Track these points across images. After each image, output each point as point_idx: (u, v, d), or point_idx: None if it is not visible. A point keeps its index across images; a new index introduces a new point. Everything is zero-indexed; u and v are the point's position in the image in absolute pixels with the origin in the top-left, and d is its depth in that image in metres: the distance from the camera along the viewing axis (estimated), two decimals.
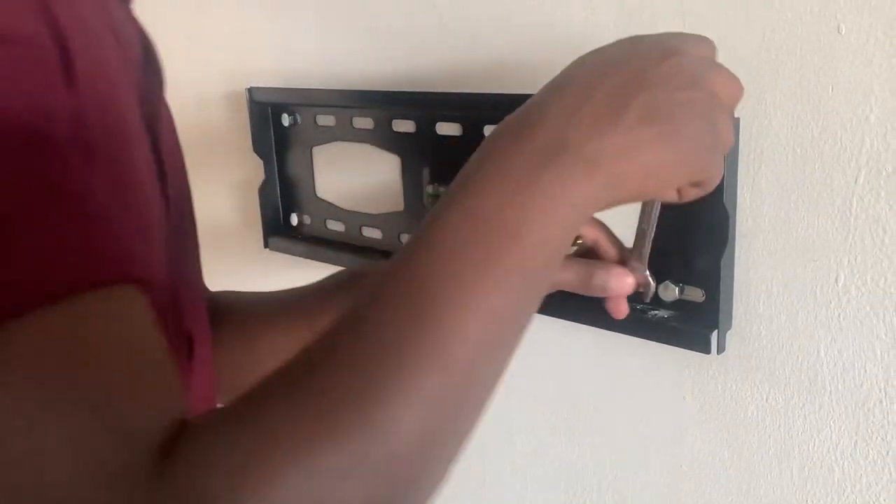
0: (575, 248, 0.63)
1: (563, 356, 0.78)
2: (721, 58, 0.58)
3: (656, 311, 0.66)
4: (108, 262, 0.33)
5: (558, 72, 0.45)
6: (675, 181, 0.45)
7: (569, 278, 0.59)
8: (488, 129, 0.74)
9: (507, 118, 0.43)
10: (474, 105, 0.75)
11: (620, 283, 0.58)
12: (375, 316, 0.36)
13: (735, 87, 0.46)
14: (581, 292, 0.61)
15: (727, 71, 0.45)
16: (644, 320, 0.66)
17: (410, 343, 0.35)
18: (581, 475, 0.81)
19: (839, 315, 0.61)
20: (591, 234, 0.62)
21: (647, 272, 0.62)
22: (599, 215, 0.51)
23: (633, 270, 0.61)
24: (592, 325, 0.71)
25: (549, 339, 0.78)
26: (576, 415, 0.79)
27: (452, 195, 0.41)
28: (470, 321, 0.36)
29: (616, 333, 0.69)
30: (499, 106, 0.73)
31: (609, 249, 0.61)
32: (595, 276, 0.59)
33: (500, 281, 0.38)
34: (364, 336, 0.35)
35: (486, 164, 0.41)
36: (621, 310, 0.61)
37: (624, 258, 0.61)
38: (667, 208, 0.65)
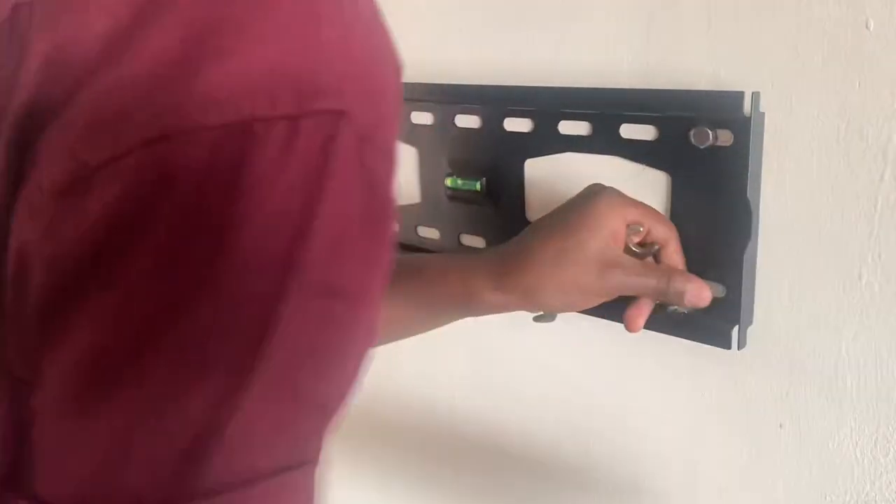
0: (643, 249, 0.62)
1: (582, 351, 0.78)
2: (747, 52, 0.58)
3: (676, 307, 0.66)
4: None
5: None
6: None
7: (648, 284, 0.59)
8: (508, 122, 0.74)
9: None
10: (493, 97, 0.75)
11: (700, 296, 0.59)
12: None
13: None
14: (655, 299, 0.62)
15: None
16: (664, 316, 0.66)
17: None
18: (597, 469, 0.80)
19: (861, 312, 0.61)
20: (663, 234, 0.62)
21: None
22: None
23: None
24: (611, 320, 0.71)
25: (567, 333, 0.78)
26: (593, 410, 0.79)
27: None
28: None
29: None
30: (518, 99, 0.74)
31: (674, 255, 0.63)
32: (672, 284, 0.59)
33: None
34: None
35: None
36: (639, 325, 0.62)
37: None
38: (689, 203, 0.65)
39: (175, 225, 0.31)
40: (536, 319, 0.68)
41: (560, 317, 0.67)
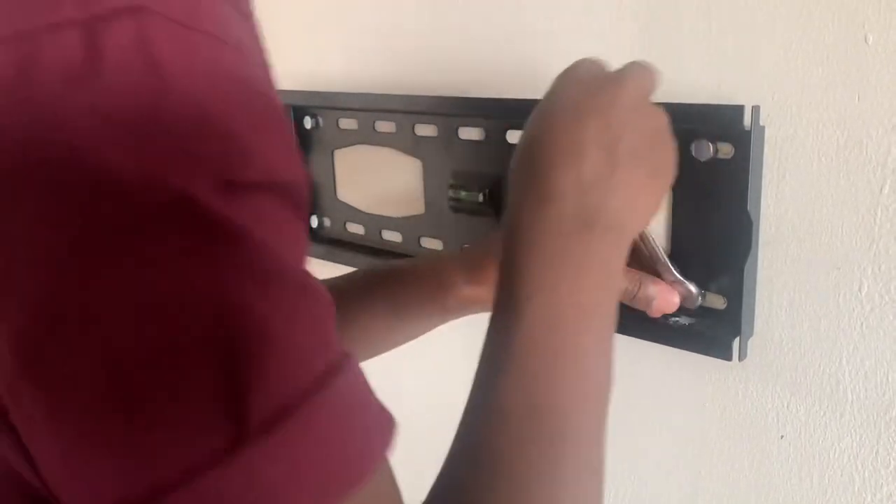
0: None
1: None
2: (747, 66, 0.59)
3: (677, 318, 0.66)
4: None
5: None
6: (660, 205, 0.51)
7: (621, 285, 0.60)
8: (511, 135, 0.75)
9: (517, 177, 0.49)
10: (496, 110, 0.75)
11: (667, 302, 0.60)
12: (521, 455, 0.40)
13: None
14: (623, 302, 0.62)
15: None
16: (665, 326, 0.66)
17: (558, 470, 0.40)
18: None
19: (862, 324, 0.61)
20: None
21: (688, 283, 0.63)
22: None
23: (672, 285, 0.62)
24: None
25: None
26: None
27: (515, 293, 0.45)
28: (593, 426, 0.43)
29: (636, 339, 0.69)
30: (520, 112, 0.74)
31: (648, 252, 0.63)
32: (642, 290, 0.60)
33: (602, 368, 0.45)
34: (525, 481, 0.39)
35: (531, 254, 0.46)
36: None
37: (660, 270, 0.62)
38: (689, 216, 0.66)
39: None
40: None
41: None
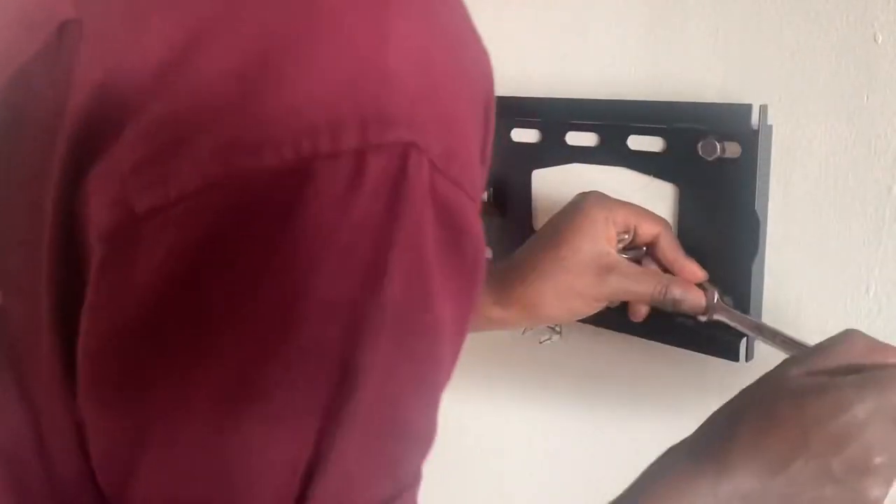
0: (623, 242, 0.62)
1: (589, 362, 0.78)
2: (755, 64, 0.58)
3: (685, 319, 0.66)
4: None
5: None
6: None
7: (645, 290, 0.60)
8: (516, 133, 0.74)
9: (691, 451, 0.49)
10: (501, 108, 0.74)
11: (698, 303, 0.59)
12: None
13: None
14: (652, 305, 0.62)
15: None
16: (672, 327, 0.66)
17: None
18: (603, 482, 0.80)
19: (869, 325, 0.61)
20: (651, 231, 0.62)
21: (709, 285, 0.62)
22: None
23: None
24: (619, 331, 0.71)
25: (575, 344, 0.77)
26: (600, 421, 0.79)
27: None
28: None
29: (643, 340, 0.69)
30: (525, 110, 0.74)
31: (667, 251, 0.62)
32: (669, 292, 0.60)
33: None
34: None
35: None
36: (642, 314, 0.63)
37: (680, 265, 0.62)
38: (697, 216, 0.65)
39: (237, 279, 0.29)
40: (542, 341, 0.69)
41: (566, 328, 0.67)
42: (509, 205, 0.77)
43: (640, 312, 0.64)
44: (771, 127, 0.61)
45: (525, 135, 0.74)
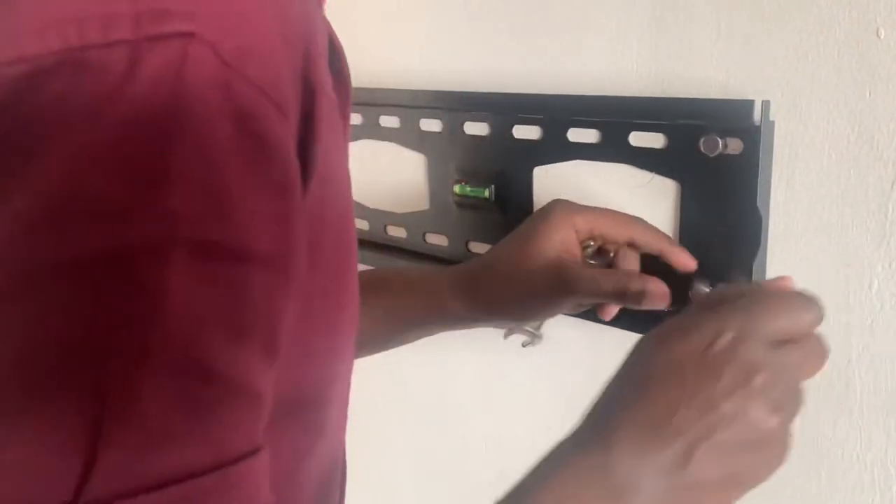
0: (590, 248, 0.63)
1: (586, 357, 0.78)
2: (757, 60, 0.58)
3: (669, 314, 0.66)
4: None
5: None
6: None
7: (605, 289, 0.60)
8: (517, 130, 0.74)
9: (575, 437, 0.43)
10: (503, 105, 0.75)
11: (659, 293, 0.59)
12: None
13: (812, 366, 0.43)
14: (617, 303, 0.62)
15: (806, 348, 0.43)
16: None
17: None
18: None
19: (872, 322, 0.61)
20: (622, 233, 0.62)
21: (698, 279, 0.62)
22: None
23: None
24: (616, 327, 0.70)
25: (571, 339, 0.77)
26: None
27: None
28: None
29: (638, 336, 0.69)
30: (527, 106, 0.74)
31: (653, 243, 0.62)
32: (629, 286, 0.60)
33: None
34: None
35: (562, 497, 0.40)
36: (610, 314, 0.64)
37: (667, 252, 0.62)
38: (698, 212, 0.65)
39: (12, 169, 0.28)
40: (524, 344, 0.69)
41: (565, 325, 0.67)
42: (511, 201, 0.77)
43: (609, 311, 0.65)
44: (773, 123, 0.61)
45: (527, 131, 0.73)
